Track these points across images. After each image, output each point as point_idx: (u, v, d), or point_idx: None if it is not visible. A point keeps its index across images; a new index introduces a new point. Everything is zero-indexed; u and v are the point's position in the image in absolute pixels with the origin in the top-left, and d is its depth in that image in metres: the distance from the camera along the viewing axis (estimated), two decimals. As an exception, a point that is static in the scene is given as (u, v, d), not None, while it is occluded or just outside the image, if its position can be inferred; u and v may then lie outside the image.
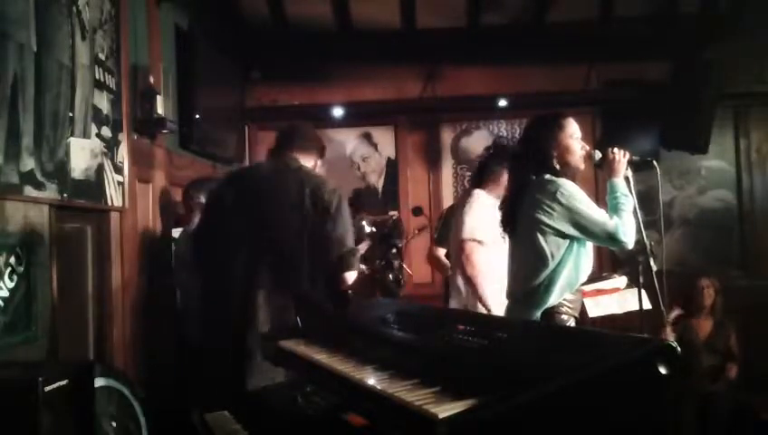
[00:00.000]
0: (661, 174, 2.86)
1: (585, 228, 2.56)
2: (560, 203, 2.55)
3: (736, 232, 5.96)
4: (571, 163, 2.70)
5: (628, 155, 2.74)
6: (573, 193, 2.58)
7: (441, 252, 4.10)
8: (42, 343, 2.66)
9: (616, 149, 2.75)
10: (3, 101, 2.42)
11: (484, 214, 3.43)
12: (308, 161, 3.07)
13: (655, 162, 2.82)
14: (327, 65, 5.83)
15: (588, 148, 2.77)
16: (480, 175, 3.68)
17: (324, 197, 2.84)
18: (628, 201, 2.65)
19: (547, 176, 2.63)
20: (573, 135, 2.71)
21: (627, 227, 2.58)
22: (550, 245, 2.57)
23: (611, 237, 2.58)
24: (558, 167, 2.66)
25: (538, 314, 2.57)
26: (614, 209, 2.63)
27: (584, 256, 2.64)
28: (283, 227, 2.79)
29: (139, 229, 3.65)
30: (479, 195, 3.56)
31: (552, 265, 2.57)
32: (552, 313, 2.57)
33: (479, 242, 3.42)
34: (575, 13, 5.55)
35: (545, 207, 2.56)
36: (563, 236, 2.57)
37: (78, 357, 2.99)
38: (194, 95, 4.35)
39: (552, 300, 2.57)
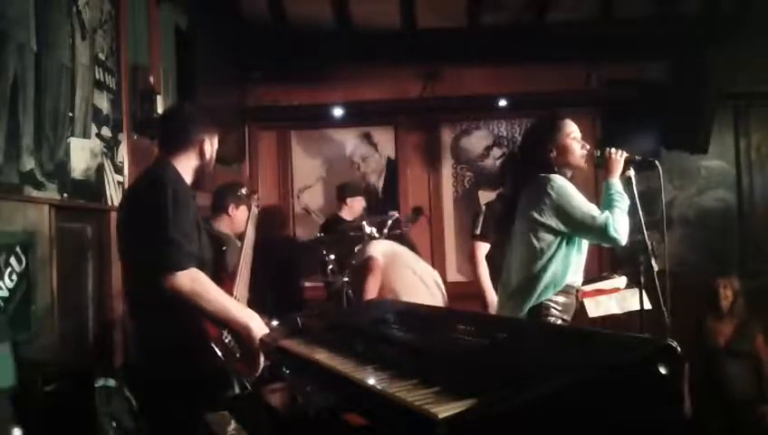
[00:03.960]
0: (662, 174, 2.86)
1: (575, 223, 2.59)
2: (550, 197, 2.60)
3: (736, 232, 5.96)
4: (572, 163, 2.75)
5: (625, 155, 2.76)
6: (563, 187, 2.62)
7: (485, 248, 4.04)
8: (42, 343, 2.66)
9: (614, 150, 2.78)
10: (3, 101, 2.42)
11: None
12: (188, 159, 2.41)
13: (657, 162, 2.82)
14: (327, 65, 5.83)
15: (588, 147, 2.79)
16: None
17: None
18: (623, 199, 2.67)
19: (542, 174, 2.67)
20: (571, 135, 2.75)
21: (618, 223, 2.60)
22: (540, 242, 2.62)
23: (602, 232, 2.59)
24: (556, 167, 2.70)
25: (525, 309, 2.61)
26: (606, 205, 2.66)
27: (574, 256, 2.65)
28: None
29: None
30: None
31: (541, 262, 2.61)
32: (540, 311, 2.59)
33: None
34: (575, 13, 5.55)
35: (537, 204, 2.61)
36: (554, 232, 2.60)
37: (78, 357, 2.99)
38: (194, 95, 4.35)
39: (536, 297, 2.60)
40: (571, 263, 2.64)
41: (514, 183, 2.89)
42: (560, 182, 2.63)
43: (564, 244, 2.63)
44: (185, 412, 2.13)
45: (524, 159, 2.89)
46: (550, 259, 2.61)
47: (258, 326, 2.23)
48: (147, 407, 2.36)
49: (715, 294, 4.55)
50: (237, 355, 2.32)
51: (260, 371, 2.27)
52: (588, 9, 5.55)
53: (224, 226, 3.74)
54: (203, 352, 2.23)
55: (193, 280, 2.12)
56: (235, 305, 2.26)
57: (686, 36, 5.40)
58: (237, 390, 2.30)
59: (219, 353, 2.25)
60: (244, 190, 3.66)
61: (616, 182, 2.73)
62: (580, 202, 2.62)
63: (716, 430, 4.36)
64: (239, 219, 3.75)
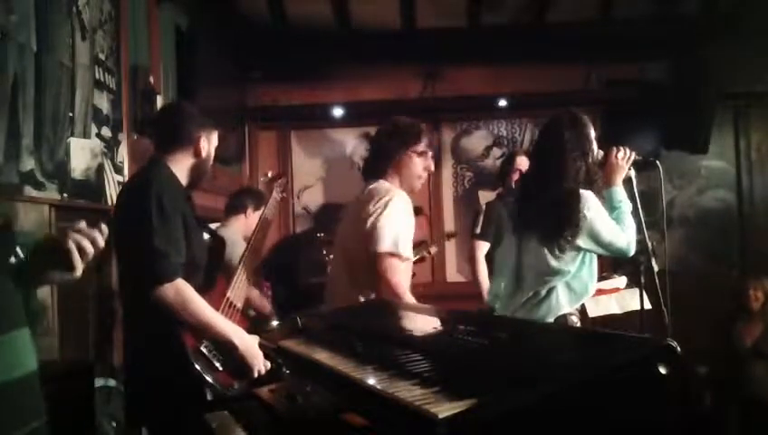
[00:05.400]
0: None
1: (603, 245, 2.54)
2: (585, 219, 2.50)
3: (736, 232, 5.96)
4: (591, 165, 2.62)
5: (632, 158, 2.70)
6: (598, 210, 2.53)
7: (485, 247, 4.06)
8: (42, 343, 2.66)
9: (620, 153, 2.71)
10: (3, 101, 2.42)
11: (407, 221, 2.65)
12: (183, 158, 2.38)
13: (657, 162, 2.81)
14: (327, 65, 5.83)
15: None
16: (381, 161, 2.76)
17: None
18: (628, 208, 2.64)
19: (569, 187, 2.55)
20: (593, 135, 2.68)
21: (632, 238, 2.58)
22: (566, 255, 2.55)
23: (623, 251, 2.57)
24: (580, 175, 2.57)
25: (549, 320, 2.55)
26: (618, 220, 2.60)
27: (595, 265, 2.64)
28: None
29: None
30: (399, 195, 2.66)
31: (567, 276, 2.56)
32: (563, 319, 2.58)
33: (402, 258, 2.59)
34: (575, 13, 5.55)
35: (568, 222, 2.50)
36: (578, 250, 2.56)
37: (78, 357, 2.99)
38: (194, 95, 4.35)
39: (566, 309, 2.57)
40: (594, 272, 2.63)
41: (533, 188, 2.70)
42: (593, 203, 2.53)
43: (587, 255, 2.59)
44: (171, 414, 2.15)
45: (541, 162, 2.71)
46: (575, 273, 2.57)
47: (241, 340, 2.22)
48: (138, 407, 2.35)
49: (744, 296, 4.57)
50: (218, 366, 2.29)
51: (255, 376, 2.23)
52: (588, 9, 5.55)
53: (234, 228, 3.74)
54: (180, 361, 2.21)
55: (177, 293, 2.11)
56: (218, 319, 2.23)
57: (685, 36, 5.40)
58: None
59: (195, 364, 2.22)
60: (270, 173, 3.60)
61: (620, 191, 2.66)
62: (610, 224, 2.55)
63: (736, 430, 4.36)
64: (252, 224, 3.76)
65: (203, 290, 2.29)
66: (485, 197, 5.44)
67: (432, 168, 2.80)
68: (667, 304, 2.67)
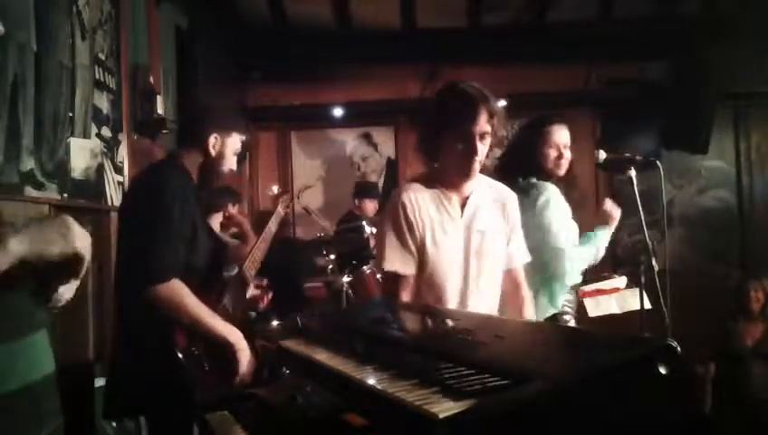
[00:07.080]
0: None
1: (537, 235, 2.47)
2: (536, 205, 2.51)
3: (736, 232, 5.96)
4: (546, 168, 2.67)
5: (618, 213, 2.72)
6: (549, 200, 2.53)
7: None
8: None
9: (609, 204, 2.74)
10: (3, 101, 2.42)
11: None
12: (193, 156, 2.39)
13: (658, 162, 2.82)
14: (327, 65, 5.83)
15: (569, 156, 2.74)
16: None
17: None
18: (597, 250, 2.63)
19: (533, 180, 2.62)
20: (552, 143, 2.69)
21: (575, 263, 2.54)
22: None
23: (554, 258, 2.51)
24: (540, 170, 2.64)
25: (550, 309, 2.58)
26: (582, 242, 2.60)
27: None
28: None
29: (139, 229, 3.65)
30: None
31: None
32: (556, 316, 2.58)
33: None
34: (575, 13, 5.55)
35: (527, 210, 2.48)
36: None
37: (78, 357, 2.99)
38: (194, 95, 4.35)
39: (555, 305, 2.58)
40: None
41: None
42: (549, 193, 2.54)
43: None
44: (157, 414, 2.16)
45: (511, 158, 2.79)
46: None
47: (238, 341, 2.20)
48: (118, 403, 2.33)
49: (745, 297, 4.58)
50: (206, 367, 2.25)
51: (247, 379, 2.21)
52: (588, 9, 5.55)
53: (215, 226, 3.77)
54: (168, 361, 2.17)
55: (172, 293, 2.09)
56: (213, 320, 2.20)
57: (686, 36, 5.41)
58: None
59: (184, 364, 2.18)
60: (275, 189, 3.63)
61: (603, 235, 2.68)
62: (555, 223, 2.52)
63: (736, 430, 4.37)
64: (233, 220, 3.81)
65: (205, 291, 2.27)
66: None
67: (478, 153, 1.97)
68: (667, 304, 2.67)
